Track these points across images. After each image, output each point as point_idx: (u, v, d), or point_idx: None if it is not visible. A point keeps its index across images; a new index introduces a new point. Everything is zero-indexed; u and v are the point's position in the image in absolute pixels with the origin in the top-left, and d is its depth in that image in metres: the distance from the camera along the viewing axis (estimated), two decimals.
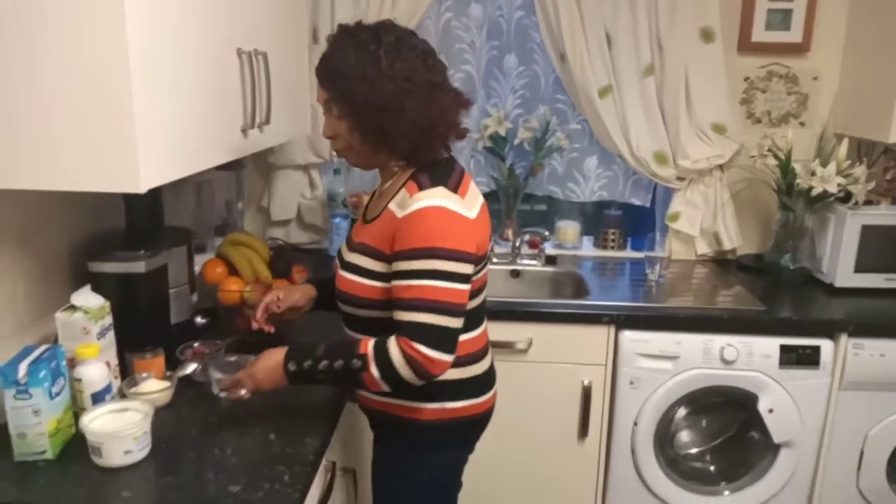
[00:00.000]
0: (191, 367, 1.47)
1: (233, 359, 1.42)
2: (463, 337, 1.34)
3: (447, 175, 1.33)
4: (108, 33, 1.05)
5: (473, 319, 1.40)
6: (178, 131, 1.24)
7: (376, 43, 1.27)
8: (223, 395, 1.33)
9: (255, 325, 1.50)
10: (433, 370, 1.23)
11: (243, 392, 1.30)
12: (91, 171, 1.10)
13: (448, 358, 1.25)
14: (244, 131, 1.56)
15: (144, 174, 1.10)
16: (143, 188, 1.11)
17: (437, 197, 1.26)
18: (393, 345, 1.23)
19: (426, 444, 1.44)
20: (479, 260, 1.33)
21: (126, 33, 1.05)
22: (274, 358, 1.30)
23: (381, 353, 1.23)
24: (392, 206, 1.32)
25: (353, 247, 1.38)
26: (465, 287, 1.27)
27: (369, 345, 1.25)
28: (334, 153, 2.38)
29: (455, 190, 1.31)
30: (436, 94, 1.30)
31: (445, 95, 1.33)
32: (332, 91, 1.30)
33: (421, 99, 1.27)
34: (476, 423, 1.48)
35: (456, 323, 1.26)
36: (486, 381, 1.46)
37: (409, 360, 1.22)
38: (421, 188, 1.29)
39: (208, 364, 1.40)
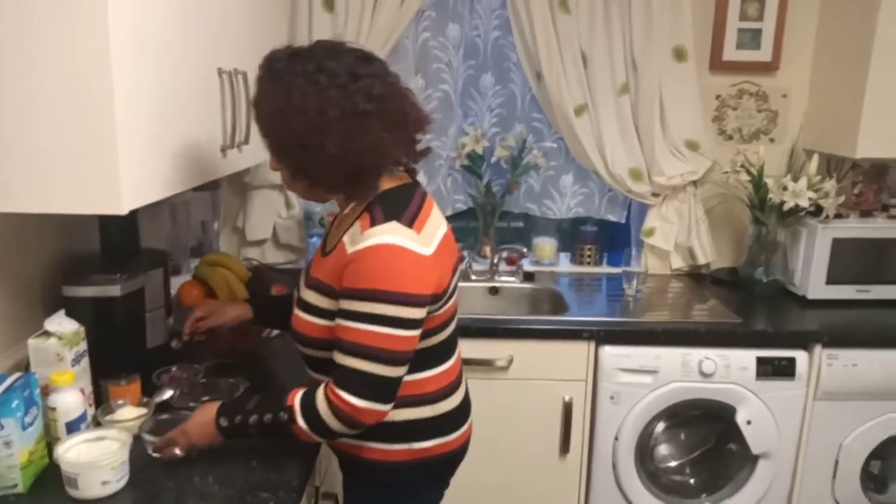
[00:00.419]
0: (168, 393, 1.45)
1: (165, 416, 1.34)
2: (431, 372, 1.30)
3: (403, 207, 1.23)
4: (91, 51, 1.03)
5: (442, 353, 1.33)
6: (159, 151, 1.22)
7: (290, 74, 1.16)
8: (156, 455, 1.26)
9: (184, 337, 1.51)
10: (362, 419, 1.17)
11: (177, 451, 1.24)
12: (70, 192, 1.08)
13: (381, 407, 1.18)
14: (223, 151, 1.55)
15: (126, 195, 1.09)
16: (124, 210, 1.09)
17: (387, 234, 1.17)
18: (321, 394, 1.17)
19: (396, 487, 1.35)
20: (438, 298, 1.24)
21: (109, 51, 1.03)
22: (207, 414, 1.24)
23: (309, 405, 1.18)
24: (345, 238, 1.23)
25: (310, 283, 1.29)
26: (412, 333, 1.18)
27: (297, 396, 1.19)
28: None
29: (411, 223, 1.20)
30: (366, 123, 1.16)
31: (376, 125, 1.17)
32: (258, 126, 1.23)
33: (346, 132, 1.15)
34: (449, 462, 1.39)
35: (395, 371, 1.18)
36: (458, 418, 1.37)
37: (335, 411, 1.16)
38: (374, 223, 1.19)
39: (142, 426, 1.31)
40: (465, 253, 2.58)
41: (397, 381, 1.20)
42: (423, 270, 1.19)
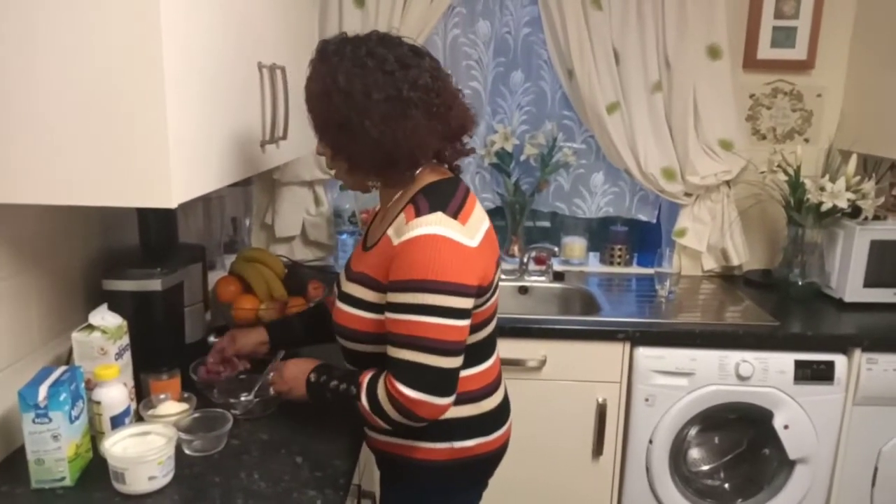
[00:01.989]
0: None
1: (197, 415, 1.33)
2: (474, 370, 1.29)
3: (448, 198, 1.22)
4: (143, 42, 1.02)
5: (485, 351, 1.33)
6: (206, 145, 1.21)
7: (338, 56, 1.18)
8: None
9: (203, 374, 1.47)
10: (420, 412, 1.16)
11: (272, 390, 1.35)
12: (121, 185, 1.06)
13: (439, 401, 1.16)
14: (262, 146, 1.53)
15: (175, 188, 1.07)
16: (174, 203, 1.07)
17: (433, 224, 1.16)
18: (381, 382, 1.18)
19: (435, 487, 1.34)
20: (484, 291, 1.23)
21: (161, 43, 1.02)
22: (303, 368, 1.31)
23: (372, 388, 1.19)
24: (390, 231, 1.23)
25: (353, 276, 1.29)
26: (463, 323, 1.17)
27: (367, 376, 1.21)
28: None
29: (455, 215, 1.20)
30: (408, 110, 1.17)
31: (418, 114, 1.17)
32: (307, 107, 1.25)
33: (384, 117, 1.16)
34: (489, 462, 1.38)
35: (449, 362, 1.16)
36: (499, 417, 1.36)
37: (393, 401, 1.16)
38: (418, 214, 1.19)
39: (177, 423, 1.29)
40: None
41: (453, 372, 1.18)
42: (469, 261, 1.18)
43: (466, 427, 1.30)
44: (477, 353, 1.30)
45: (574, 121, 2.53)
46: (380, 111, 1.16)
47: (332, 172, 1.32)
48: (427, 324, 1.14)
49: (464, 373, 1.25)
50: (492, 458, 1.37)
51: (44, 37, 1.03)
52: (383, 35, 1.22)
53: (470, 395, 1.29)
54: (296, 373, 1.31)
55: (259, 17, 1.50)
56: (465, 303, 1.17)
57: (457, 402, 1.25)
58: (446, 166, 1.33)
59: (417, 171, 1.26)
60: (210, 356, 1.49)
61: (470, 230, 1.21)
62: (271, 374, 1.38)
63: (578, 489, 2.16)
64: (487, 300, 1.27)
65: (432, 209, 1.19)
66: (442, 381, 1.16)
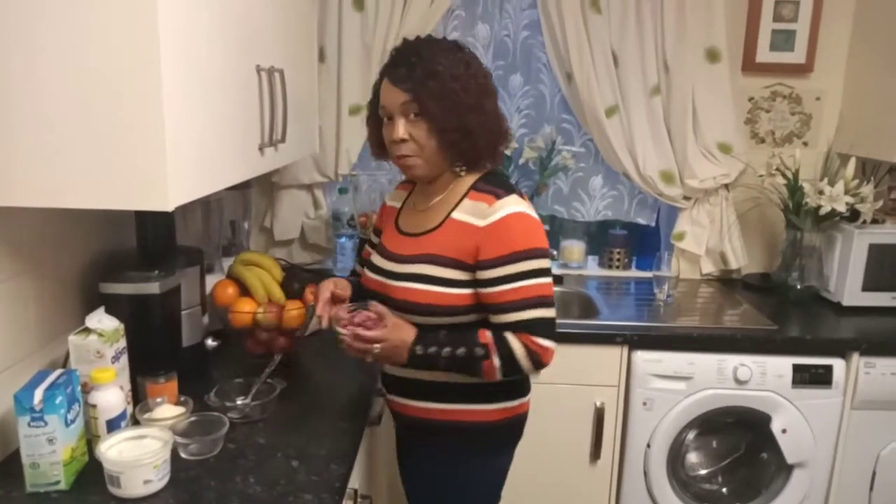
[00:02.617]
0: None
1: (194, 418, 1.32)
2: None
3: (511, 184, 1.40)
4: (141, 47, 1.02)
5: None
6: (204, 147, 1.21)
7: (459, 48, 1.38)
8: (344, 345, 1.35)
9: (323, 321, 1.44)
10: (546, 360, 1.33)
11: (368, 358, 1.36)
12: (117, 188, 1.07)
13: (555, 346, 1.35)
14: (261, 149, 1.53)
15: (172, 191, 1.07)
16: (171, 206, 1.07)
17: (515, 203, 1.34)
18: (513, 338, 1.31)
19: (486, 448, 1.48)
20: None
21: (159, 44, 1.02)
22: (404, 338, 1.34)
23: (502, 344, 1.31)
24: (461, 216, 1.36)
25: (414, 258, 1.39)
26: (551, 278, 1.36)
27: (488, 335, 1.32)
28: (342, 173, 2.38)
29: (521, 196, 1.38)
30: (497, 103, 1.42)
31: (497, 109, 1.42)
32: (423, 91, 1.32)
33: (493, 103, 1.39)
34: (524, 422, 1.53)
35: (555, 312, 1.35)
36: (527, 379, 1.52)
37: (531, 354, 1.31)
38: (498, 197, 1.34)
39: (174, 427, 1.28)
40: None
41: (555, 322, 1.36)
42: (543, 230, 1.37)
43: (512, 387, 1.45)
44: None
45: (573, 124, 2.53)
46: (493, 98, 1.40)
47: (402, 157, 1.38)
48: (541, 284, 1.32)
49: None
50: (525, 419, 1.53)
51: (41, 39, 1.03)
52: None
53: None
54: (394, 343, 1.34)
55: (257, 20, 1.50)
56: (550, 264, 1.36)
57: None
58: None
59: (459, 170, 1.41)
60: (321, 307, 1.45)
61: (532, 208, 1.39)
62: (376, 346, 1.34)
63: (576, 493, 2.16)
64: None
65: (508, 192, 1.35)
66: (555, 329, 1.35)
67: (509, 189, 1.37)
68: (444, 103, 1.32)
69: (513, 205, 1.33)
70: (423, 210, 1.45)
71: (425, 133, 1.34)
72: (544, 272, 1.32)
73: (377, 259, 1.49)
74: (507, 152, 2.49)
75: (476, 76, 1.36)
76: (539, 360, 1.32)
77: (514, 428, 1.51)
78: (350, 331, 1.34)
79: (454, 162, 1.39)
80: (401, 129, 1.35)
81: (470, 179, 1.40)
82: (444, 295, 1.35)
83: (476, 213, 1.34)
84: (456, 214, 1.37)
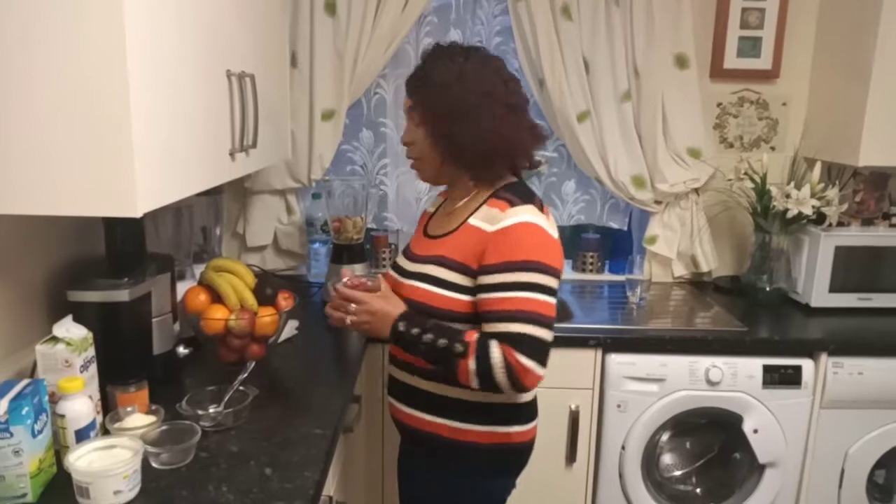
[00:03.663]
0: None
1: (165, 427, 1.29)
2: None
3: (532, 195, 1.38)
4: (107, 47, 1.01)
5: None
6: (173, 153, 1.19)
7: (464, 57, 1.35)
8: (329, 314, 1.41)
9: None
10: (525, 380, 1.26)
11: (348, 321, 1.38)
12: (84, 194, 1.05)
13: (541, 371, 1.27)
14: (232, 154, 1.52)
15: (141, 197, 1.06)
16: (139, 212, 1.06)
17: (529, 213, 1.31)
18: (495, 346, 1.26)
19: (472, 470, 1.43)
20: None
21: (125, 48, 1.01)
22: (391, 310, 1.36)
23: (483, 349, 1.27)
24: (475, 221, 1.36)
25: (425, 259, 1.41)
26: (554, 301, 1.30)
27: (474, 336, 1.29)
28: (315, 178, 2.37)
29: (541, 209, 1.36)
30: (511, 117, 1.35)
31: (521, 122, 1.37)
32: (416, 97, 1.38)
33: (496, 117, 1.33)
34: (522, 452, 1.48)
35: (550, 336, 1.28)
36: (533, 408, 1.49)
37: (508, 367, 1.25)
38: (511, 205, 1.33)
39: (144, 436, 1.26)
40: None
41: (549, 345, 1.29)
42: (553, 245, 1.33)
43: (510, 413, 1.42)
44: None
45: (546, 129, 2.54)
46: (494, 111, 1.33)
47: (411, 160, 1.45)
48: (535, 300, 1.26)
49: None
50: (525, 449, 1.48)
51: (7, 49, 1.01)
52: (485, 49, 1.40)
53: None
54: (381, 315, 1.36)
55: (228, 25, 1.49)
56: (554, 282, 1.31)
57: None
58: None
59: (480, 179, 1.40)
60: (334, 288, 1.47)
61: (551, 223, 1.37)
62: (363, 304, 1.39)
63: (552, 495, 2.16)
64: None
65: (524, 202, 1.34)
66: (544, 352, 1.28)
67: (528, 198, 1.35)
68: (436, 110, 1.35)
69: (524, 214, 1.31)
70: (448, 213, 1.47)
71: (422, 138, 1.38)
72: (544, 289, 1.27)
73: (399, 258, 1.54)
74: None
75: (469, 86, 1.32)
76: (517, 379, 1.26)
77: (507, 456, 1.44)
78: (339, 289, 1.36)
79: (454, 170, 1.41)
80: (405, 133, 1.42)
81: (492, 187, 1.39)
82: (443, 297, 1.35)
83: (488, 218, 1.33)
84: (472, 219, 1.37)
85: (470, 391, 1.35)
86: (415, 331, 1.33)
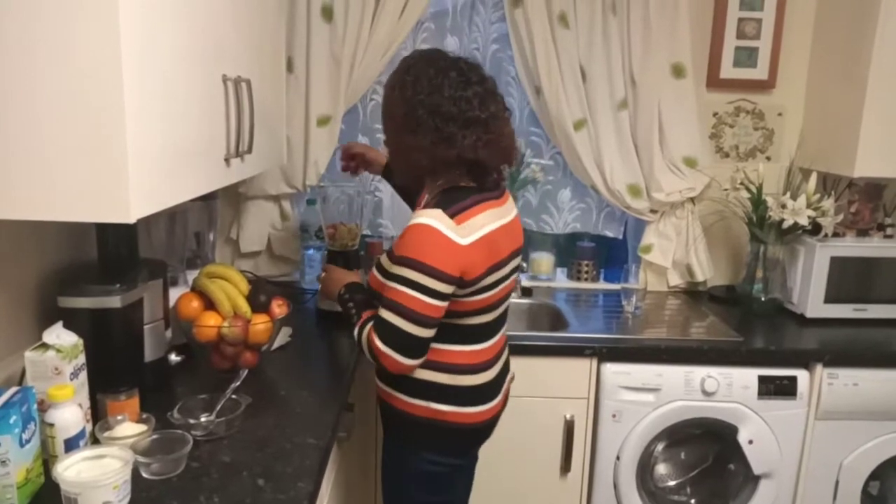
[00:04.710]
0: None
1: (156, 436, 1.28)
2: (460, 347, 1.49)
3: (453, 202, 1.42)
4: (102, 52, 0.99)
5: (476, 335, 1.52)
6: (167, 158, 1.18)
7: (406, 72, 1.44)
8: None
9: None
10: (382, 361, 1.42)
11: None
12: (77, 199, 1.03)
13: (402, 359, 1.41)
14: (227, 160, 1.51)
15: (134, 203, 1.04)
16: (132, 218, 1.04)
17: (429, 217, 1.38)
18: (368, 326, 1.45)
19: (414, 440, 1.54)
20: (468, 284, 1.41)
21: (120, 54, 0.99)
22: (340, 280, 1.63)
23: (363, 325, 1.46)
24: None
25: (387, 250, 1.52)
26: (436, 302, 1.38)
27: (368, 314, 1.49)
28: (310, 184, 2.36)
29: (453, 216, 1.39)
30: (417, 130, 1.41)
31: (427, 137, 1.40)
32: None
33: (396, 130, 1.46)
34: (467, 433, 1.55)
35: (418, 331, 1.39)
36: (479, 395, 1.53)
37: (368, 345, 1.43)
38: (424, 207, 1.43)
39: (134, 445, 1.24)
40: None
41: (420, 340, 1.40)
42: (451, 253, 1.37)
43: (443, 393, 1.49)
44: (466, 335, 1.50)
45: (542, 137, 2.54)
46: (397, 123, 1.45)
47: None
48: (405, 293, 1.37)
49: (448, 346, 1.49)
50: (470, 431, 1.55)
51: (0, 54, 1.00)
52: (446, 58, 1.45)
53: (450, 366, 1.49)
54: (335, 279, 1.65)
55: (223, 30, 1.48)
56: (441, 286, 1.37)
57: (436, 369, 1.49)
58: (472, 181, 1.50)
59: (438, 181, 1.48)
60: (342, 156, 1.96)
61: (464, 230, 1.39)
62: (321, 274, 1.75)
63: None
64: (473, 294, 1.44)
65: (435, 207, 1.40)
66: (408, 344, 1.40)
67: (443, 206, 1.40)
68: (384, 121, 1.52)
69: (427, 217, 1.38)
70: None
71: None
72: (418, 286, 1.36)
73: None
74: None
75: (395, 102, 1.43)
76: (376, 358, 1.42)
77: (442, 434, 1.52)
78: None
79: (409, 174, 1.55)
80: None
81: (438, 190, 1.48)
82: (377, 280, 1.49)
83: (413, 214, 1.45)
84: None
85: None
86: (346, 296, 1.57)
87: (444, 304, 1.40)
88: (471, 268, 1.40)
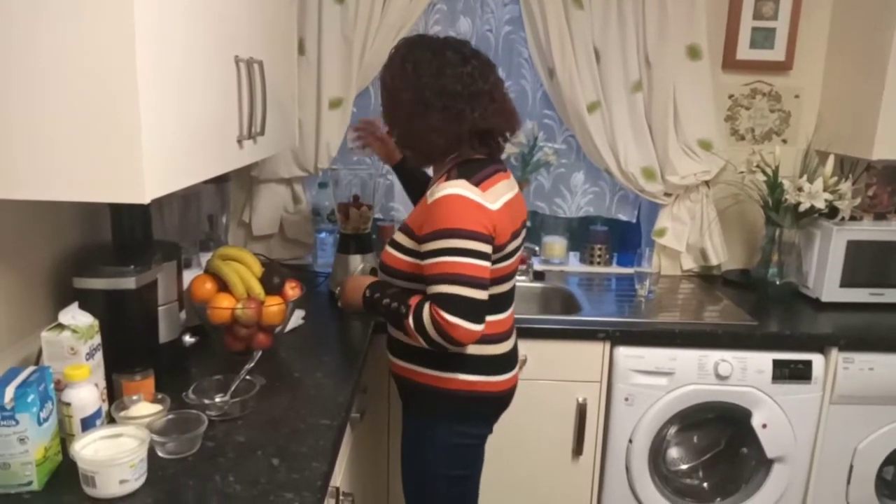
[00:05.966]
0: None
1: (172, 416, 1.29)
2: (487, 318, 1.47)
3: (474, 172, 1.46)
4: (115, 33, 0.99)
5: (497, 305, 1.54)
6: (181, 139, 1.18)
7: (405, 60, 1.46)
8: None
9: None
10: (454, 334, 1.39)
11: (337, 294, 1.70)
12: (91, 179, 1.03)
13: (471, 326, 1.39)
14: (239, 142, 1.50)
15: (149, 183, 1.04)
16: (147, 198, 1.04)
17: (457, 187, 1.42)
18: (426, 307, 1.42)
19: (442, 413, 1.56)
20: (497, 249, 1.47)
21: (134, 34, 0.99)
22: (360, 282, 1.59)
23: (418, 310, 1.42)
24: (428, 193, 1.48)
25: (401, 227, 1.55)
26: (482, 262, 1.41)
27: (416, 300, 1.45)
28: (322, 167, 2.36)
29: (477, 184, 1.44)
30: (428, 112, 1.45)
31: (439, 116, 1.45)
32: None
33: (408, 114, 1.48)
34: (493, 401, 1.59)
35: (478, 293, 1.40)
36: (501, 364, 1.58)
37: (435, 324, 1.39)
38: (448, 179, 1.44)
39: (150, 425, 1.25)
40: None
41: (480, 303, 1.41)
42: (483, 216, 1.42)
43: (471, 363, 1.53)
44: (492, 304, 1.49)
45: (555, 120, 2.52)
46: (405, 110, 1.48)
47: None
48: (457, 262, 1.39)
49: None
50: (495, 399, 1.59)
51: (15, 31, 0.99)
52: (435, 40, 1.50)
53: (483, 338, 1.48)
54: (354, 287, 1.61)
55: (236, 11, 1.47)
56: (482, 246, 1.41)
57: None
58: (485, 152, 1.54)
59: (451, 157, 1.52)
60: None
61: (490, 195, 1.45)
62: (338, 289, 1.71)
63: (558, 488, 2.16)
64: (502, 259, 1.50)
65: (459, 177, 1.44)
66: (472, 309, 1.40)
67: (466, 175, 1.44)
68: (384, 108, 1.56)
69: (454, 187, 1.41)
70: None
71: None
72: (465, 252, 1.39)
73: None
74: None
75: (399, 91, 1.47)
76: (447, 334, 1.39)
77: (469, 403, 1.55)
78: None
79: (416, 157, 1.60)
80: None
81: (453, 164, 1.50)
82: (393, 257, 1.52)
83: (433, 191, 1.45)
84: (428, 191, 1.49)
85: None
86: (377, 296, 1.53)
87: (490, 265, 1.44)
88: (501, 231, 1.46)
